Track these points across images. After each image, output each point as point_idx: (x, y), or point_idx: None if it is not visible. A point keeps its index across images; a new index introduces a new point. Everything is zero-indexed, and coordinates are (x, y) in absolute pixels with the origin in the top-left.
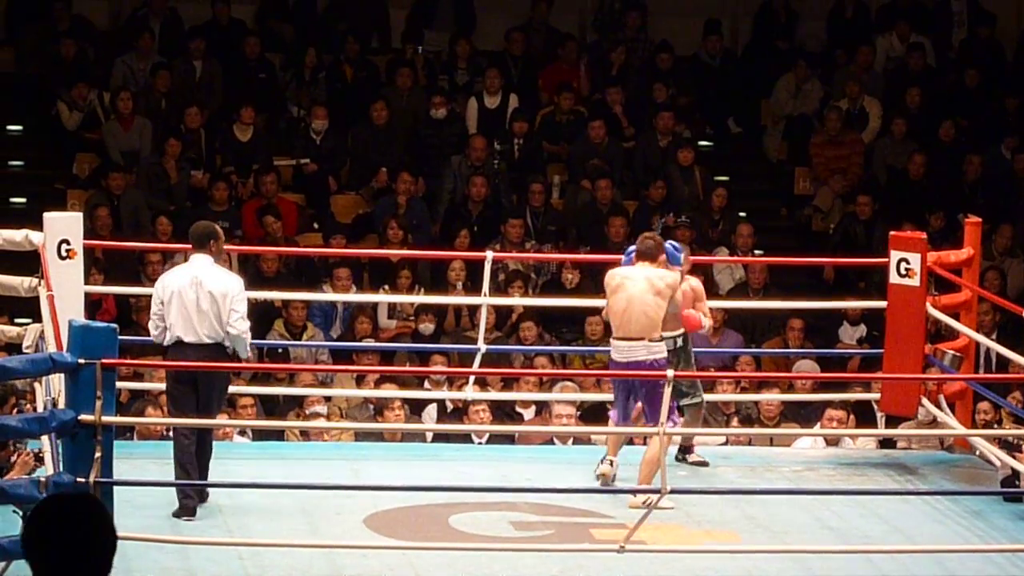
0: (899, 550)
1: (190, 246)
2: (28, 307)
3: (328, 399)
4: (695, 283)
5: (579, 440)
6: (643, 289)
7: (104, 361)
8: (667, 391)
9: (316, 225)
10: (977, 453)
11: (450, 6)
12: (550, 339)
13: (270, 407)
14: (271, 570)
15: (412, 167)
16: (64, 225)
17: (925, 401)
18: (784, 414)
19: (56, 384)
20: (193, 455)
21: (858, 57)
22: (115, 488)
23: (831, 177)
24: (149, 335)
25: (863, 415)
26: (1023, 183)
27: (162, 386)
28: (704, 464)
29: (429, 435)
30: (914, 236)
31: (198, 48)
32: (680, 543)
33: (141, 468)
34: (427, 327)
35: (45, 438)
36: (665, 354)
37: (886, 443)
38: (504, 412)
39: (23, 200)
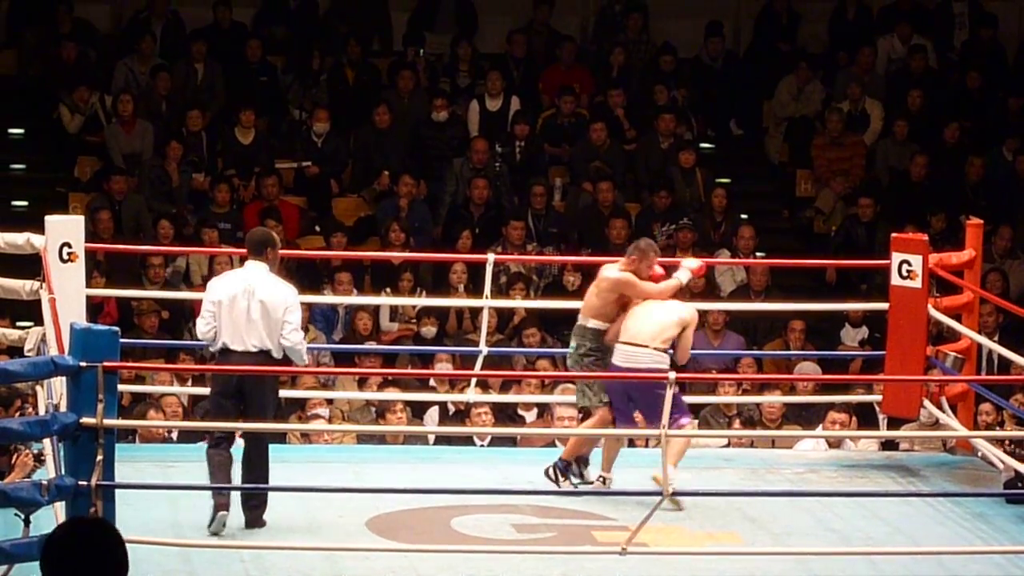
0: (901, 552)
1: (244, 251)
2: (30, 310)
3: (330, 402)
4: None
5: None
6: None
7: (106, 364)
8: (668, 393)
9: (318, 228)
10: (979, 455)
11: (451, 8)
12: (552, 341)
13: None
14: (273, 572)
15: (414, 170)
16: (66, 228)
17: (927, 403)
18: (786, 416)
19: (58, 387)
20: (220, 464)
21: (860, 59)
22: (116, 491)
23: (833, 179)
24: (151, 338)
25: (865, 417)
26: None
27: (163, 389)
28: (602, 482)
29: (431, 437)
30: (916, 238)
31: (200, 51)
32: (682, 545)
33: (143, 471)
34: (429, 330)
35: (47, 441)
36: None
37: (888, 445)
38: (506, 414)
39: (25, 203)
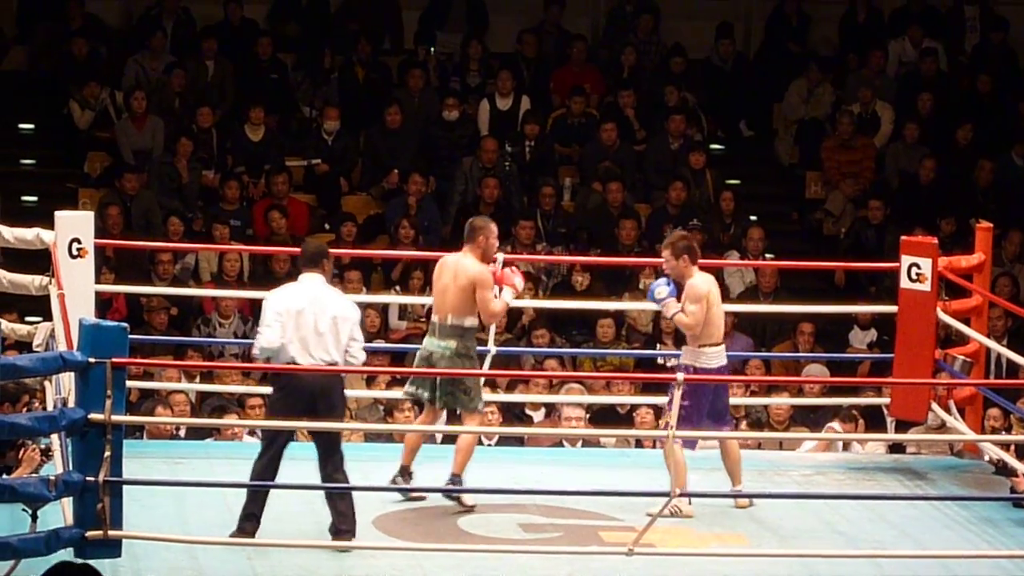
0: (908, 555)
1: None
2: (39, 306)
3: None
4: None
5: (588, 443)
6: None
7: (114, 360)
8: (677, 393)
9: (327, 226)
10: (987, 459)
11: (462, 8)
12: (561, 341)
13: None
14: (279, 570)
15: (423, 168)
16: (75, 224)
17: (935, 406)
18: (794, 418)
19: (66, 383)
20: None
21: (870, 61)
22: (124, 487)
23: (842, 181)
24: (160, 335)
25: (873, 420)
26: None
27: (171, 385)
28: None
29: (438, 436)
30: (925, 241)
31: (210, 48)
32: (689, 546)
33: (150, 467)
34: None
35: (55, 436)
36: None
37: (896, 448)
38: (513, 414)
39: (35, 199)
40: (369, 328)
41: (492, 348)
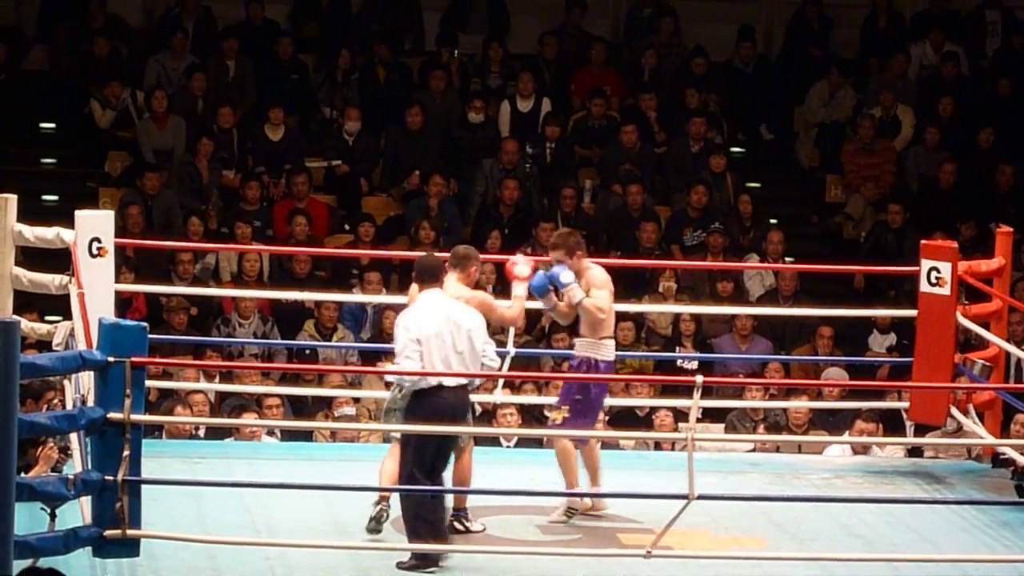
0: (926, 559)
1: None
2: (59, 305)
3: (357, 400)
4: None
5: (607, 444)
6: None
7: (134, 359)
8: (697, 394)
9: (347, 227)
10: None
11: (484, 9)
12: None
13: (299, 408)
14: (298, 570)
15: (444, 169)
16: (96, 223)
17: (954, 410)
18: (812, 421)
19: (85, 382)
20: (433, 505)
21: (892, 65)
22: (142, 486)
23: (863, 185)
24: (180, 335)
25: (892, 423)
26: None
27: (190, 385)
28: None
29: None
30: (945, 245)
31: (231, 48)
32: (707, 549)
33: (169, 467)
34: None
35: (74, 435)
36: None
37: (914, 452)
38: (533, 416)
39: (55, 198)
40: (389, 330)
41: (512, 349)
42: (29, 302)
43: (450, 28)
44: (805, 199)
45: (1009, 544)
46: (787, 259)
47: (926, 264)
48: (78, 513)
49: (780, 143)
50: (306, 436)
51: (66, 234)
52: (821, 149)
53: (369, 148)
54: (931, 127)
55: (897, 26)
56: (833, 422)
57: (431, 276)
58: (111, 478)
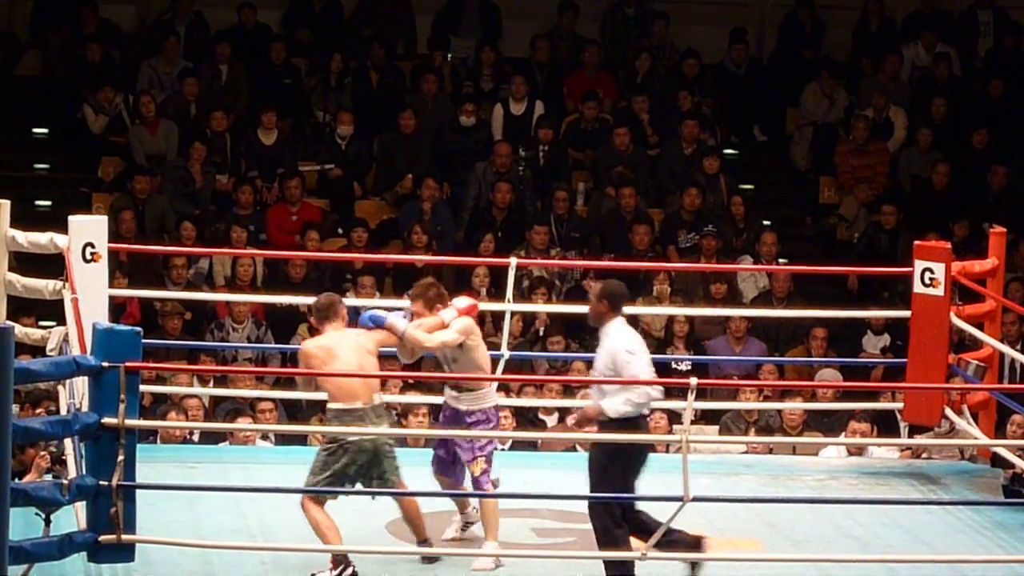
0: (921, 559)
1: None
2: (53, 310)
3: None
4: None
5: None
6: None
7: (128, 364)
8: (691, 396)
9: (340, 230)
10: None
11: (476, 13)
12: (575, 347)
13: (293, 412)
14: (292, 574)
15: (437, 173)
16: (89, 228)
17: (948, 411)
18: (807, 423)
19: (80, 387)
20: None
21: (884, 66)
22: (137, 491)
23: (856, 186)
24: (174, 340)
25: (886, 424)
26: None
27: (185, 390)
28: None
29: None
30: (938, 246)
31: (224, 52)
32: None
33: (163, 471)
34: None
35: (68, 441)
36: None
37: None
38: (527, 418)
39: (48, 203)
40: None
41: (505, 352)
42: (27, 307)
43: (442, 32)
44: (798, 201)
45: (1004, 544)
46: (781, 260)
47: (919, 265)
48: (73, 518)
49: (773, 145)
50: (300, 440)
51: (59, 239)
52: (814, 151)
53: (362, 152)
54: (924, 128)
55: (889, 27)
56: (827, 423)
57: (621, 303)
58: (106, 483)
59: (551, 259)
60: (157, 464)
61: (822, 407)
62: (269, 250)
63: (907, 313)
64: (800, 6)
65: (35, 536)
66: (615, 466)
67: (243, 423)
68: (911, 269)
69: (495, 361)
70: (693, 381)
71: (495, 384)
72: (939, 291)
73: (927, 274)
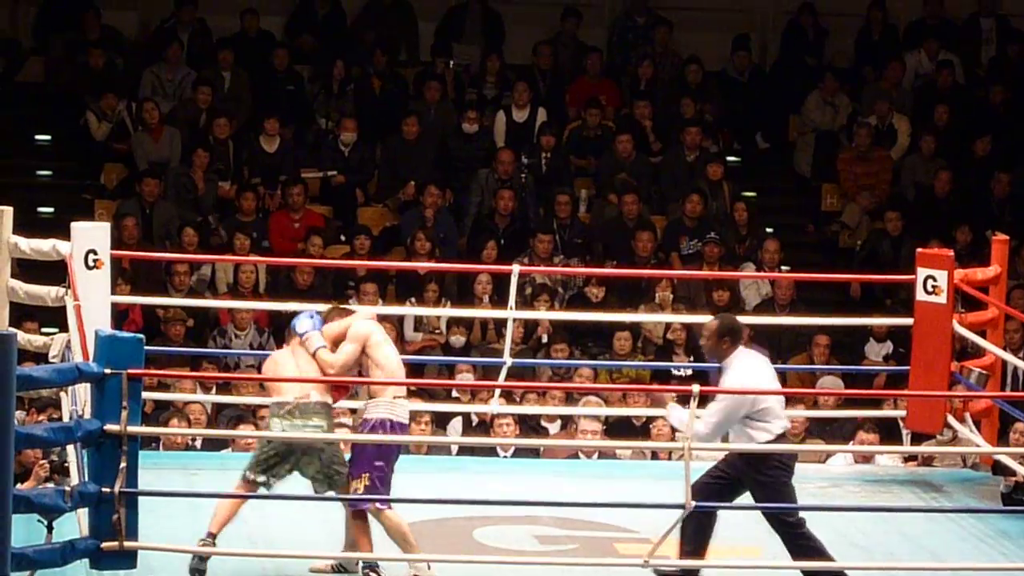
0: (924, 567)
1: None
2: (55, 316)
3: (353, 411)
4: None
5: (604, 455)
6: None
7: (130, 371)
8: (693, 404)
9: (343, 237)
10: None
11: (479, 20)
12: (578, 354)
13: None
14: None
15: (440, 180)
16: (92, 235)
17: (950, 419)
18: (809, 430)
19: (82, 394)
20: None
21: (887, 74)
22: (139, 498)
23: (859, 193)
24: (177, 346)
25: (889, 432)
26: None
27: (187, 397)
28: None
29: (454, 448)
30: (941, 253)
31: (226, 59)
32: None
33: (166, 478)
34: (458, 339)
35: (71, 447)
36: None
37: (912, 460)
38: (529, 426)
39: (51, 210)
40: None
41: (508, 360)
42: (30, 313)
43: (445, 39)
44: (801, 208)
45: (1007, 553)
46: (783, 268)
47: (922, 272)
48: (75, 525)
49: (776, 152)
50: None
51: (62, 246)
52: (817, 158)
53: (365, 159)
54: (927, 135)
55: (892, 35)
56: (830, 431)
57: (740, 337)
58: (108, 490)
59: (554, 266)
60: (160, 471)
61: (824, 414)
62: (272, 257)
63: (910, 320)
64: (803, 13)
65: (37, 543)
66: (789, 483)
67: (245, 430)
68: (914, 276)
69: (497, 368)
70: (695, 388)
71: (402, 392)
72: (942, 299)
73: (930, 281)
